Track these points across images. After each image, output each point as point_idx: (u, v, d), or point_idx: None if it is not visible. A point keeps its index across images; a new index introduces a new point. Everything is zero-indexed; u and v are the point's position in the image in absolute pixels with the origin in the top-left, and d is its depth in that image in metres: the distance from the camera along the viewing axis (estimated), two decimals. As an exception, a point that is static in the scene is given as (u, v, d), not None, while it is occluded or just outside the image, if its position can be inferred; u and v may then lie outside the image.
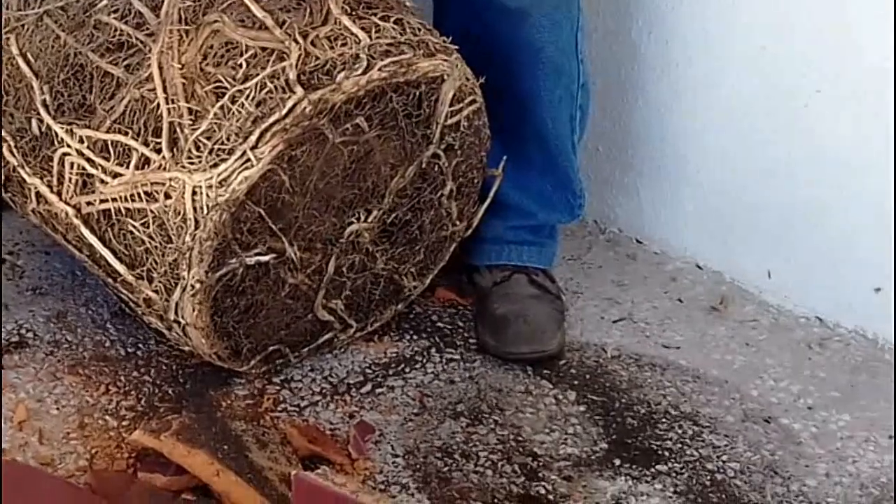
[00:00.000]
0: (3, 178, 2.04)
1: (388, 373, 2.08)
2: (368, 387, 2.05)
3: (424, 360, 2.11)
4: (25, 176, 1.98)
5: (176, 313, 1.89)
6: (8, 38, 2.00)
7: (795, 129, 2.17)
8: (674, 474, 1.91)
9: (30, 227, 2.27)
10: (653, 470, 1.92)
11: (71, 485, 1.78)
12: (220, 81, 1.82)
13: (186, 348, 1.98)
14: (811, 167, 2.17)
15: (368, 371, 2.08)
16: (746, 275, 2.30)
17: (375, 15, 1.90)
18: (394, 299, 2.13)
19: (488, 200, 2.13)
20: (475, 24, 2.03)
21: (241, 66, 1.83)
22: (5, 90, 2.00)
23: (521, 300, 2.14)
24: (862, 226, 2.15)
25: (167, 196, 1.82)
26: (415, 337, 2.16)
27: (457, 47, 1.94)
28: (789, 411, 2.04)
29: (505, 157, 2.10)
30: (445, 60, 1.92)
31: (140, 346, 2.08)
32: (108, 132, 1.87)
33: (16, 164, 2.00)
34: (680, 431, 1.99)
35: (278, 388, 2.03)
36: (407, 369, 2.09)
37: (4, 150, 2.00)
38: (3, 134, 2.00)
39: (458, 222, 2.11)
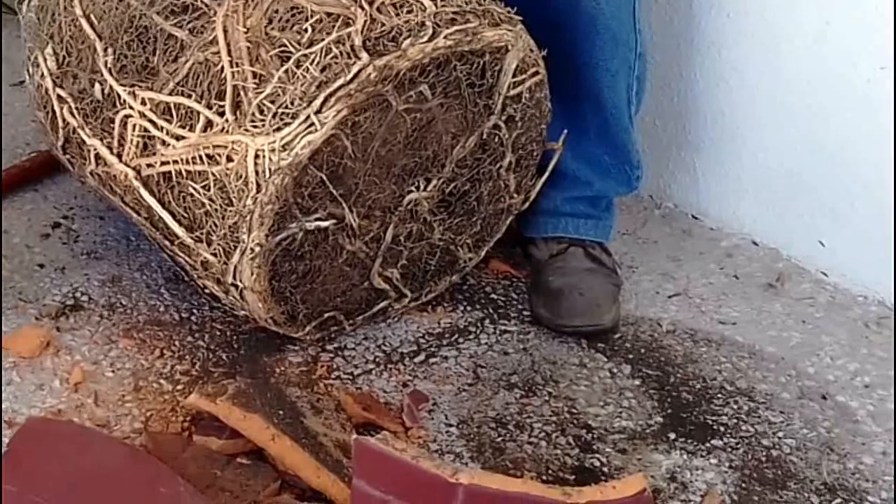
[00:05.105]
0: (62, 139, 2.04)
1: (441, 343, 2.08)
2: (422, 356, 2.05)
3: (478, 331, 2.11)
4: (85, 137, 1.99)
5: (234, 277, 1.89)
6: (72, 0, 2.00)
7: (857, 105, 2.15)
8: (729, 449, 1.90)
9: (84, 192, 2.28)
10: (708, 444, 1.91)
11: (128, 446, 1.79)
12: (285, 46, 1.82)
13: (242, 313, 1.98)
14: (871, 144, 2.15)
15: (422, 341, 2.08)
16: (803, 252, 2.28)
17: (441, -17, 1.90)
18: (449, 270, 2.12)
19: (546, 174, 2.12)
20: None
21: (306, 30, 1.82)
22: (67, 51, 2.00)
23: (577, 273, 2.13)
24: (923, 204, 2.13)
25: (229, 159, 1.82)
26: (468, 308, 2.16)
27: (521, 18, 1.93)
28: (846, 389, 2.03)
29: (566, 131, 2.09)
30: (510, 30, 1.91)
31: (194, 311, 2.09)
32: (170, 94, 1.87)
33: (76, 125, 2.00)
34: (735, 407, 1.98)
35: (332, 355, 2.03)
36: (461, 340, 2.09)
37: (65, 111, 2.00)
38: (64, 94, 2.00)
39: (515, 195, 2.11)
